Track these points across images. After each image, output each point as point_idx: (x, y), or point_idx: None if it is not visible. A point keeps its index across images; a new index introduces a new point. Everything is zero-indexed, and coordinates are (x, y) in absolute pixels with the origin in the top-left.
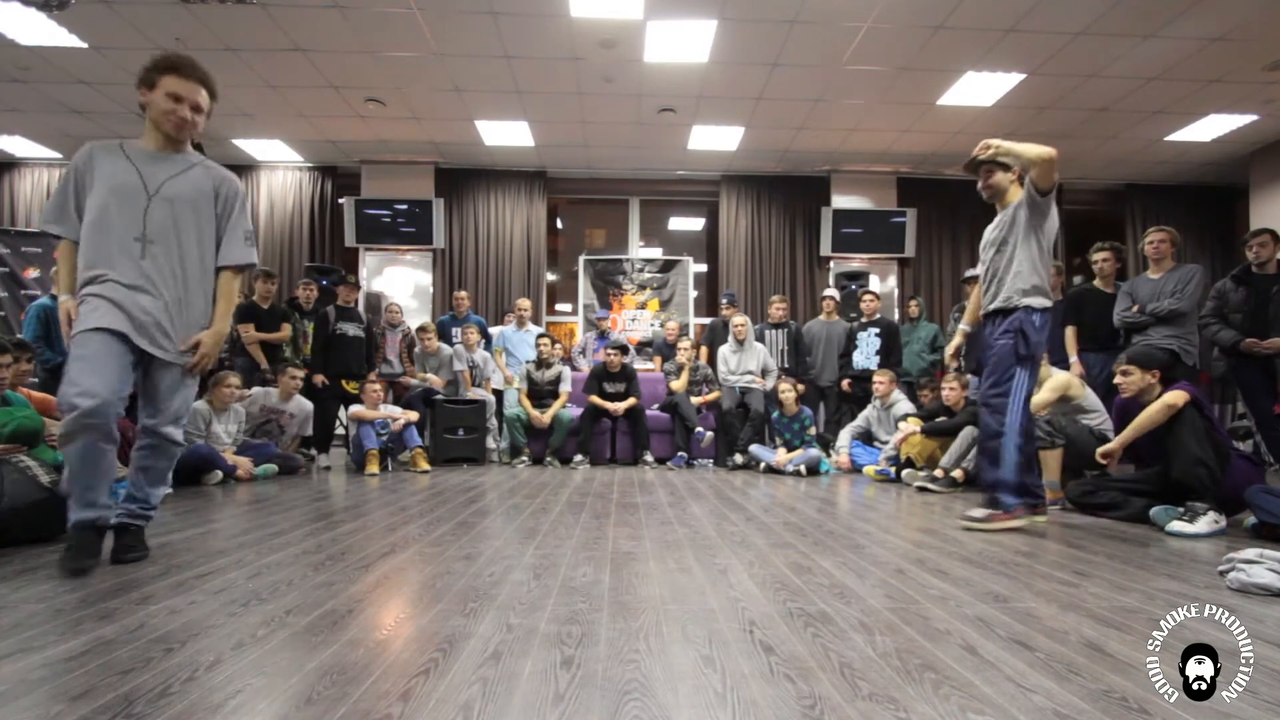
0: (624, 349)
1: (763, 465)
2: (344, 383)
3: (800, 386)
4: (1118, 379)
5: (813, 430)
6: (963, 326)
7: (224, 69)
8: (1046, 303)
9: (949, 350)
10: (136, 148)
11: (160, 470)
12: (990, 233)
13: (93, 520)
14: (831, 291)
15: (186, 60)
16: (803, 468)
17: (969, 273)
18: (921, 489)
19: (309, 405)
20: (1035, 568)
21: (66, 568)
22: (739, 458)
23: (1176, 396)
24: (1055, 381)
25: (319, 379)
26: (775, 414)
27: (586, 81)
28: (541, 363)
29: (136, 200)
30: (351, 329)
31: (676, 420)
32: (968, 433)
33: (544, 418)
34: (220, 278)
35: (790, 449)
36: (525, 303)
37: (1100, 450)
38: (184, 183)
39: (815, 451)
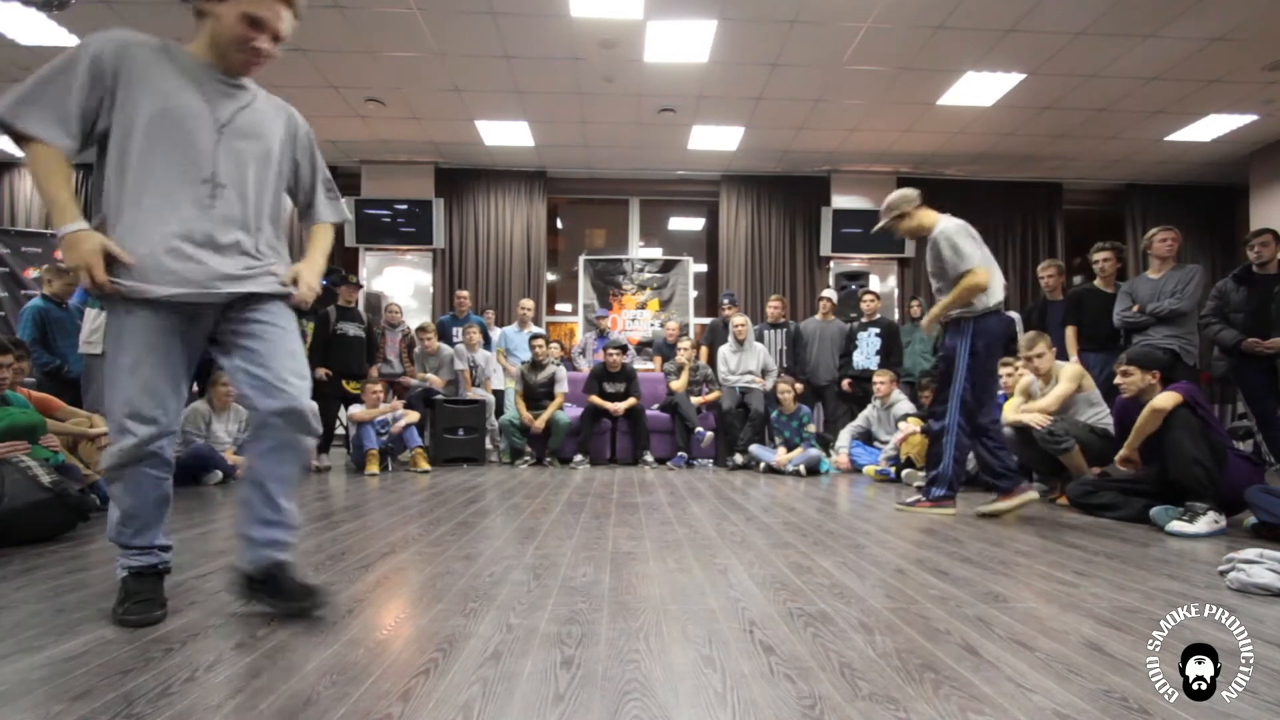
0: (624, 348)
1: (762, 465)
2: (344, 383)
3: (799, 386)
4: (1118, 379)
5: (811, 428)
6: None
7: None
8: (974, 310)
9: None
10: (190, 58)
11: (293, 471)
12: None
13: (155, 565)
14: (829, 292)
15: None
16: (802, 467)
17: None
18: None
19: (313, 403)
20: (1035, 568)
21: (132, 621)
22: (739, 458)
23: (1164, 400)
24: (1071, 370)
25: (322, 372)
26: (774, 412)
27: (586, 81)
28: (535, 364)
29: (203, 131)
30: (352, 329)
31: (676, 420)
32: None
33: (538, 423)
34: (316, 229)
35: (790, 448)
36: (528, 303)
37: (1118, 457)
38: (255, 117)
39: (815, 451)
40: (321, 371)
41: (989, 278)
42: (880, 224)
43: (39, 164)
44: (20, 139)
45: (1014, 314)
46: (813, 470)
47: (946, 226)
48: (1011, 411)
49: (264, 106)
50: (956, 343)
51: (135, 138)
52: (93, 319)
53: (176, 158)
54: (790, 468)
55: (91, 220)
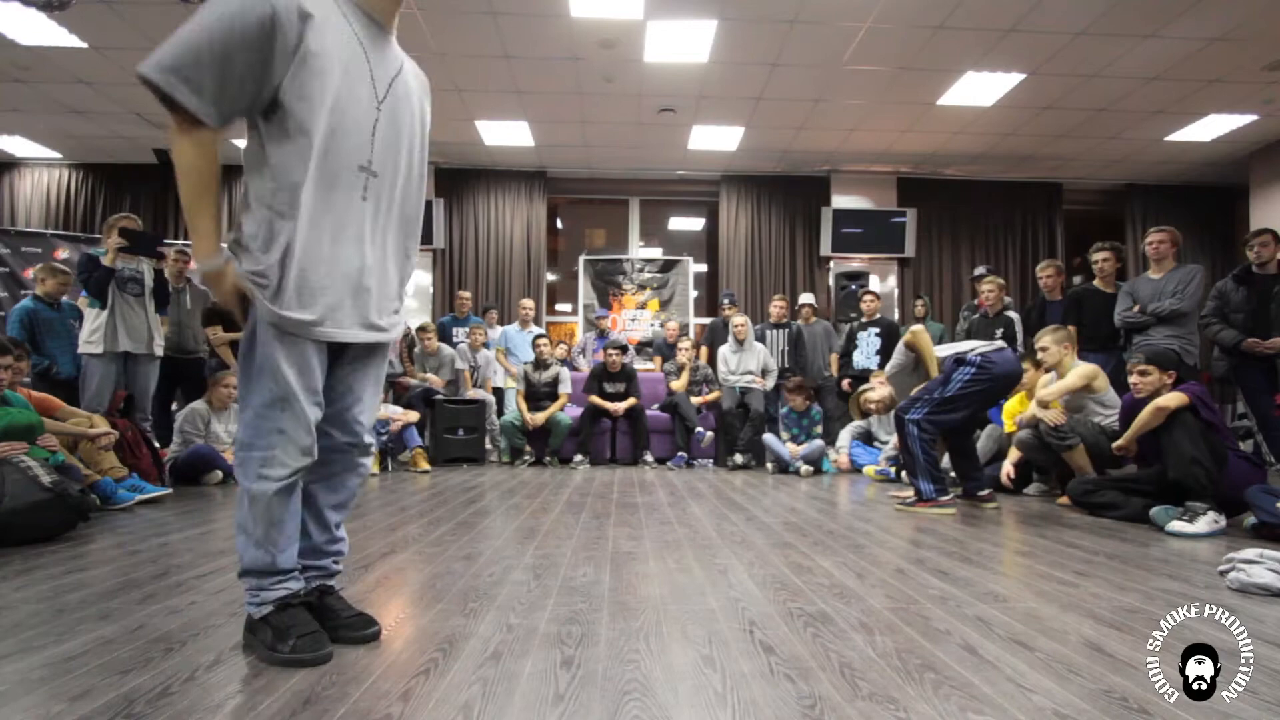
0: (624, 348)
1: (771, 463)
2: None
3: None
4: (1134, 378)
5: (820, 429)
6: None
7: None
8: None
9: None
10: (354, 6)
11: (352, 495)
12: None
13: (299, 590)
14: (808, 297)
15: None
16: (805, 467)
17: (978, 270)
18: None
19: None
20: (1035, 568)
21: (306, 658)
22: (739, 458)
23: (1169, 399)
24: (1083, 369)
25: None
26: (785, 409)
27: (586, 81)
28: (539, 364)
29: (366, 106)
30: None
31: (676, 420)
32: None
33: (537, 419)
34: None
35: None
36: (529, 303)
37: (1115, 445)
38: (405, 87)
39: (820, 442)
40: None
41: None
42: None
43: (195, 161)
44: (174, 109)
45: (1014, 314)
46: (816, 465)
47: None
48: (1018, 404)
49: (412, 72)
50: (963, 368)
51: (325, 117)
52: (93, 318)
53: (347, 142)
54: (797, 462)
55: (231, 231)
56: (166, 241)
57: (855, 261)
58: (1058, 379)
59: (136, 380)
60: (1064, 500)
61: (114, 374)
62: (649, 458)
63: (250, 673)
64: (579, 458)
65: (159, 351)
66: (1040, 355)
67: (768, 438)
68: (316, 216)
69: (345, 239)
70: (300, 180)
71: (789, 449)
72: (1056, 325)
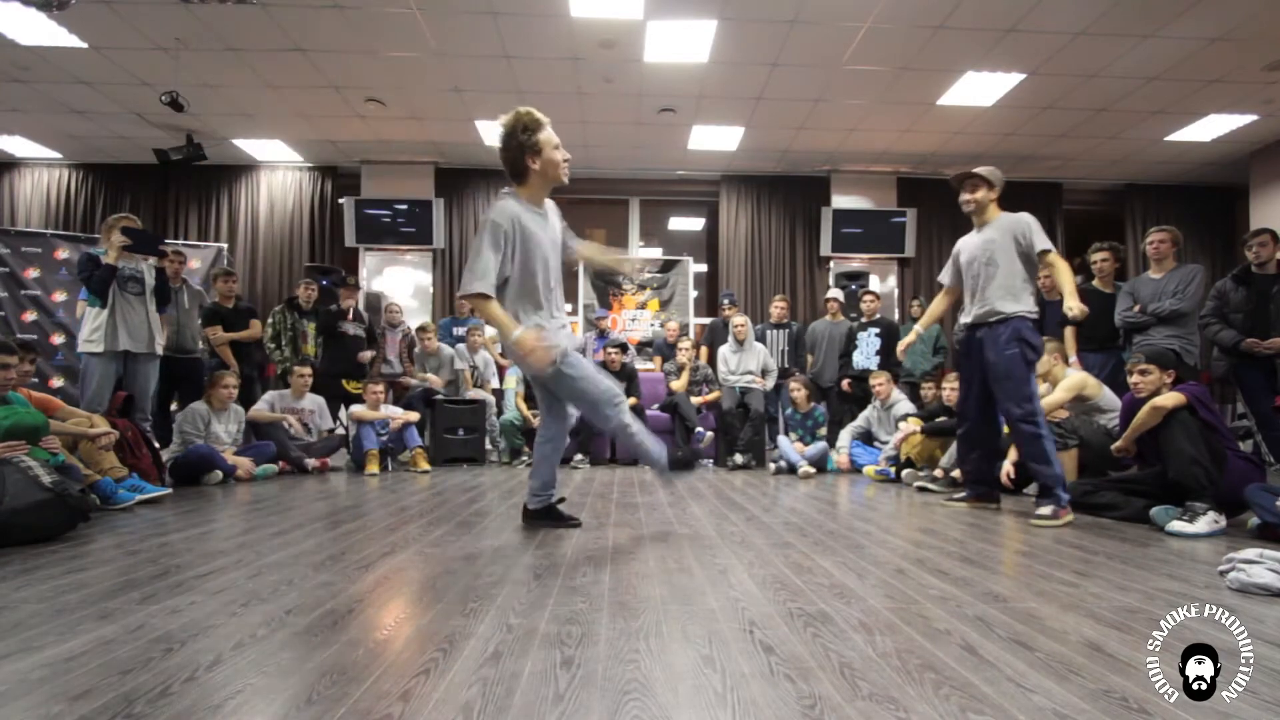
0: (624, 348)
1: (778, 465)
2: (345, 382)
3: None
4: (1135, 378)
5: (824, 430)
6: (916, 327)
7: (224, 69)
8: (1034, 314)
9: (900, 346)
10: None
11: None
12: (968, 249)
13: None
14: (835, 292)
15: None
16: (808, 468)
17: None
18: (921, 489)
19: (321, 398)
20: (1035, 568)
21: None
22: (739, 457)
23: (1167, 399)
24: (1070, 381)
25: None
26: (789, 410)
27: (586, 81)
28: None
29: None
30: (351, 328)
31: (676, 420)
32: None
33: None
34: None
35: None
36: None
37: (1114, 447)
38: (555, 229)
39: (823, 445)
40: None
41: None
42: (969, 173)
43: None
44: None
45: None
46: (821, 465)
47: (1023, 215)
48: None
49: (553, 215)
50: (1028, 339)
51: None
52: (93, 318)
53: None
54: (802, 463)
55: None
56: (167, 242)
57: (855, 261)
58: (1052, 389)
59: (136, 380)
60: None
61: (114, 373)
62: None
63: (250, 673)
64: (579, 457)
65: (159, 351)
66: None
67: (781, 441)
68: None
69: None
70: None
71: (795, 448)
72: (1047, 336)
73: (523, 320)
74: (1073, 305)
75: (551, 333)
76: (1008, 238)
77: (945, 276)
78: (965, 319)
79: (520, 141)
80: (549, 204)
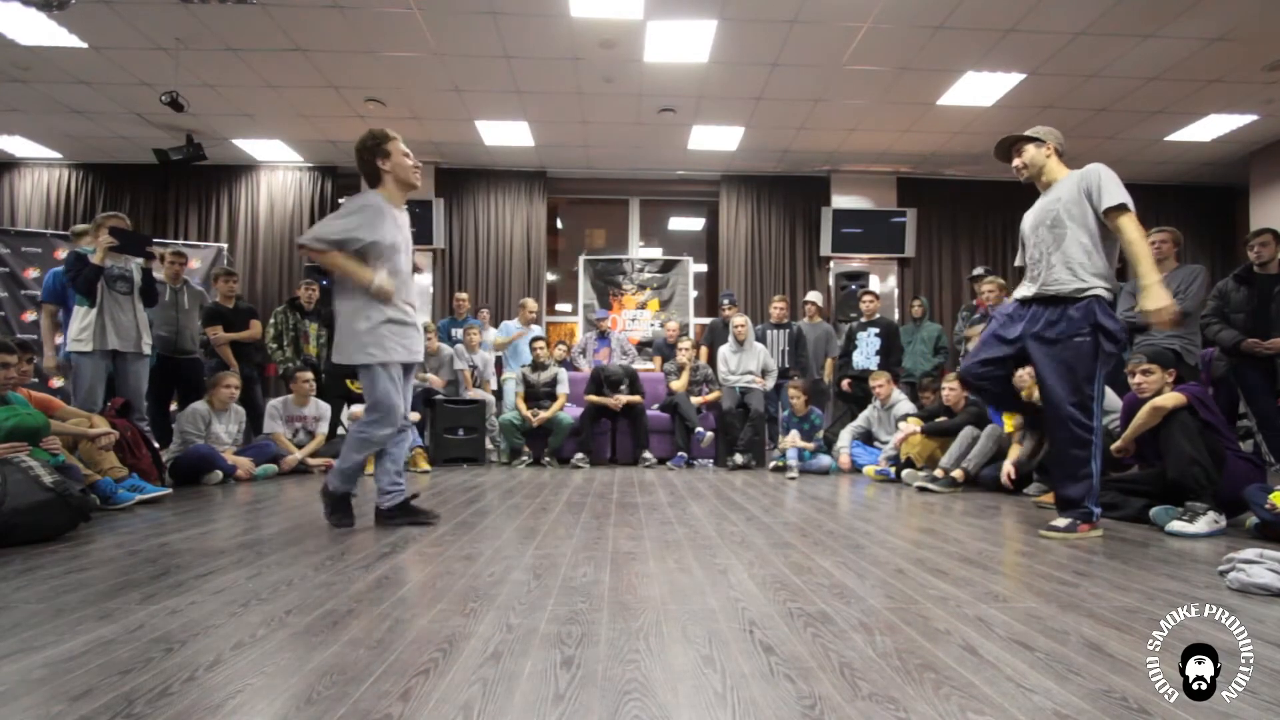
0: (620, 381)
1: (791, 463)
2: (348, 382)
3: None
4: (1137, 378)
5: (821, 432)
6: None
7: (224, 69)
8: (1111, 292)
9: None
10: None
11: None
12: (1032, 216)
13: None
14: (815, 295)
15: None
16: (797, 471)
17: (977, 270)
18: (921, 489)
19: (326, 405)
20: (1035, 568)
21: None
22: (739, 457)
23: (1167, 399)
24: None
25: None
26: (786, 413)
27: (586, 81)
28: (537, 365)
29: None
30: None
31: (676, 420)
32: (967, 433)
33: (541, 417)
34: None
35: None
36: (532, 304)
37: (1114, 447)
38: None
39: (826, 460)
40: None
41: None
42: (1013, 137)
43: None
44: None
45: None
46: (822, 473)
47: (1103, 166)
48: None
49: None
50: (1104, 324)
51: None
52: (81, 317)
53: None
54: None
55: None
56: (165, 242)
57: (855, 261)
58: None
59: (128, 379)
60: (1047, 499)
61: (104, 372)
62: (649, 458)
63: (250, 673)
64: (579, 456)
65: (147, 350)
66: (1023, 372)
67: (790, 452)
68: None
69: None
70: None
71: (794, 436)
72: None
73: (385, 312)
74: (1148, 303)
75: (411, 328)
76: (1077, 193)
77: (1019, 259)
78: (1022, 291)
79: (370, 148)
80: (403, 212)
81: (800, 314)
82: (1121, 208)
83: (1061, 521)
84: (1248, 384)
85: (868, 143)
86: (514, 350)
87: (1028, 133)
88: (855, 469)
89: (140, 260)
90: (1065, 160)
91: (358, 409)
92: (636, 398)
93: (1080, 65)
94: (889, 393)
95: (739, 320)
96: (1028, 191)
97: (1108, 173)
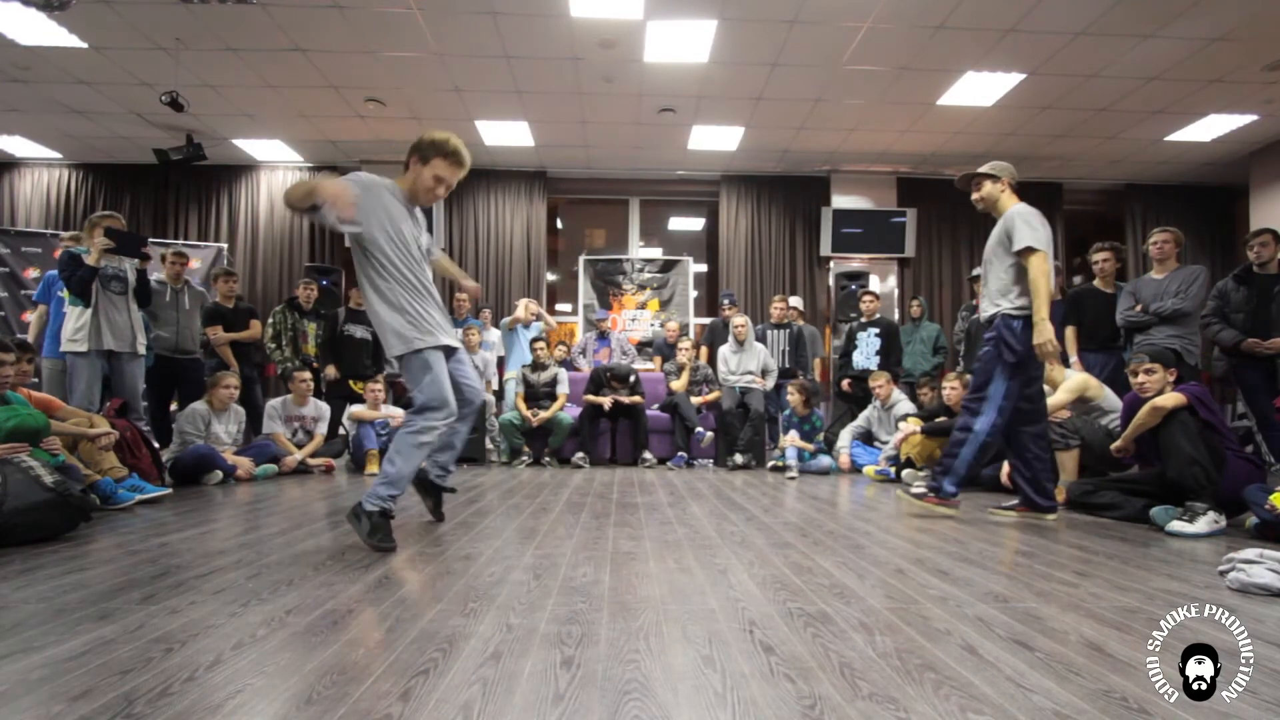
0: (623, 378)
1: (789, 463)
2: (350, 383)
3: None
4: (1139, 378)
5: (822, 434)
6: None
7: (224, 69)
8: (1026, 310)
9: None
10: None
11: None
12: (987, 244)
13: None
14: (795, 300)
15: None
16: (797, 471)
17: (977, 270)
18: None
19: (325, 406)
20: (1035, 568)
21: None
22: (739, 457)
23: (1167, 399)
24: (1071, 383)
25: (331, 370)
26: (787, 412)
27: (586, 81)
28: (537, 365)
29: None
30: (359, 331)
31: (676, 420)
32: None
33: (541, 416)
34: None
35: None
36: (534, 304)
37: (1114, 447)
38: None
39: (827, 460)
40: (330, 370)
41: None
42: (971, 173)
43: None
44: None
45: None
46: (822, 473)
47: (1024, 208)
48: None
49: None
50: (1005, 338)
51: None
52: (76, 317)
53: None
54: (791, 461)
55: None
56: (166, 242)
57: (855, 261)
58: (1053, 391)
59: (124, 379)
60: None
61: (100, 372)
62: (649, 458)
63: (250, 673)
64: (579, 456)
65: (143, 350)
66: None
67: (789, 452)
68: None
69: None
70: None
71: (793, 436)
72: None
73: (407, 306)
74: (1036, 336)
75: (440, 322)
76: (1001, 233)
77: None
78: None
79: (419, 146)
80: (419, 213)
81: (815, 314)
82: (1028, 250)
83: (918, 488)
84: (1247, 384)
85: (868, 143)
86: (515, 348)
87: (984, 170)
88: (855, 469)
89: (135, 260)
90: (1016, 189)
91: (358, 409)
92: (637, 398)
93: (1080, 65)
94: (889, 393)
95: (739, 320)
96: (1026, 192)
97: (1022, 218)
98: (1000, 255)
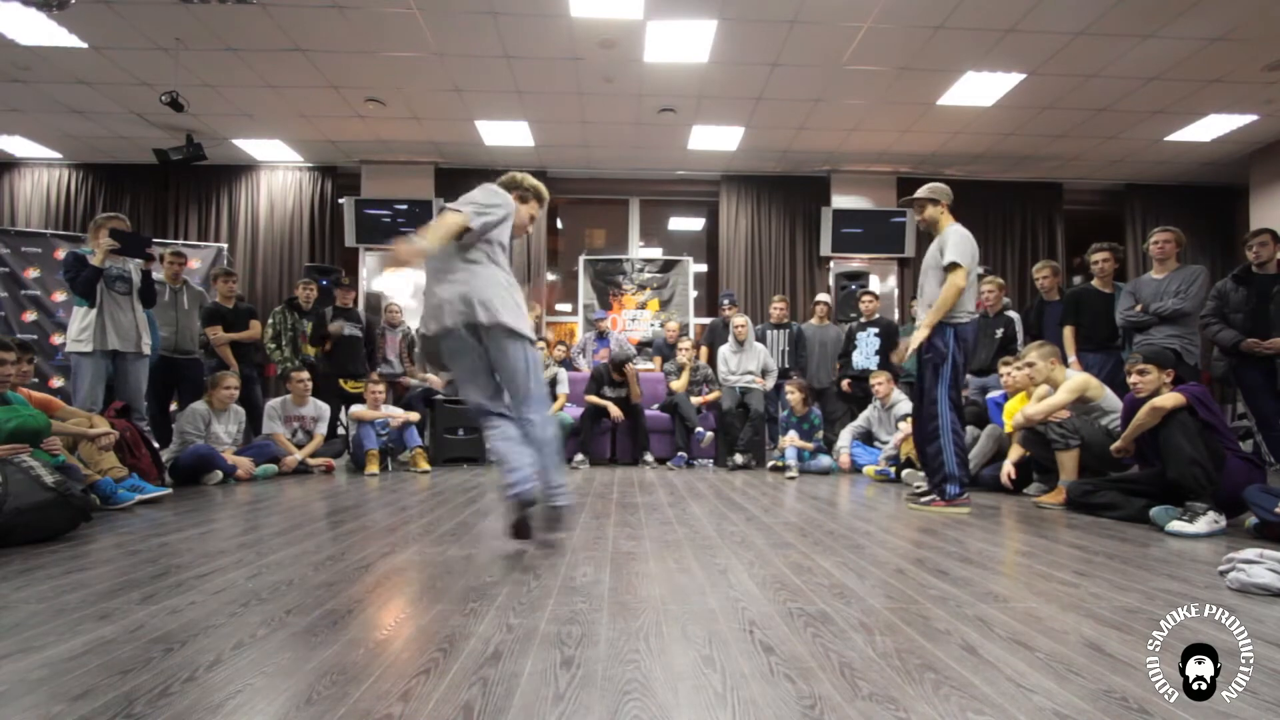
0: (625, 362)
1: (789, 464)
2: (343, 382)
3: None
4: (1134, 378)
5: (821, 433)
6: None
7: (224, 69)
8: (954, 318)
9: (898, 356)
10: None
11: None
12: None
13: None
14: (825, 296)
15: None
16: (796, 471)
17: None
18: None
19: (325, 405)
20: (1035, 568)
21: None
22: (739, 457)
23: (1166, 400)
24: (1072, 383)
25: (334, 328)
26: (786, 412)
27: (586, 81)
28: None
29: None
30: (349, 328)
31: (676, 420)
32: (967, 432)
33: None
34: None
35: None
36: (536, 308)
37: (1114, 447)
38: None
39: (827, 460)
40: (333, 330)
41: (967, 281)
42: (913, 198)
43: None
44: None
45: (1013, 314)
46: (822, 473)
47: (959, 228)
48: (1018, 404)
49: None
50: (940, 346)
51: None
52: (81, 317)
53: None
54: (790, 461)
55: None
56: (165, 242)
57: (855, 261)
58: (1052, 392)
59: (128, 380)
60: (1046, 499)
61: (104, 372)
62: (649, 458)
63: (250, 673)
64: (579, 457)
65: (147, 350)
66: (1029, 372)
67: (789, 452)
68: None
69: None
70: None
71: (793, 436)
72: (1042, 341)
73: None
74: (905, 348)
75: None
76: (936, 249)
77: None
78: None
79: (526, 186)
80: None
81: (809, 314)
82: (952, 265)
83: (924, 497)
84: (1247, 384)
85: (868, 143)
86: None
87: (923, 194)
88: (855, 469)
89: (139, 261)
90: (952, 210)
91: (358, 409)
92: (636, 393)
93: (1080, 65)
94: (889, 392)
95: (739, 320)
96: (1026, 192)
97: (954, 237)
98: (935, 269)
